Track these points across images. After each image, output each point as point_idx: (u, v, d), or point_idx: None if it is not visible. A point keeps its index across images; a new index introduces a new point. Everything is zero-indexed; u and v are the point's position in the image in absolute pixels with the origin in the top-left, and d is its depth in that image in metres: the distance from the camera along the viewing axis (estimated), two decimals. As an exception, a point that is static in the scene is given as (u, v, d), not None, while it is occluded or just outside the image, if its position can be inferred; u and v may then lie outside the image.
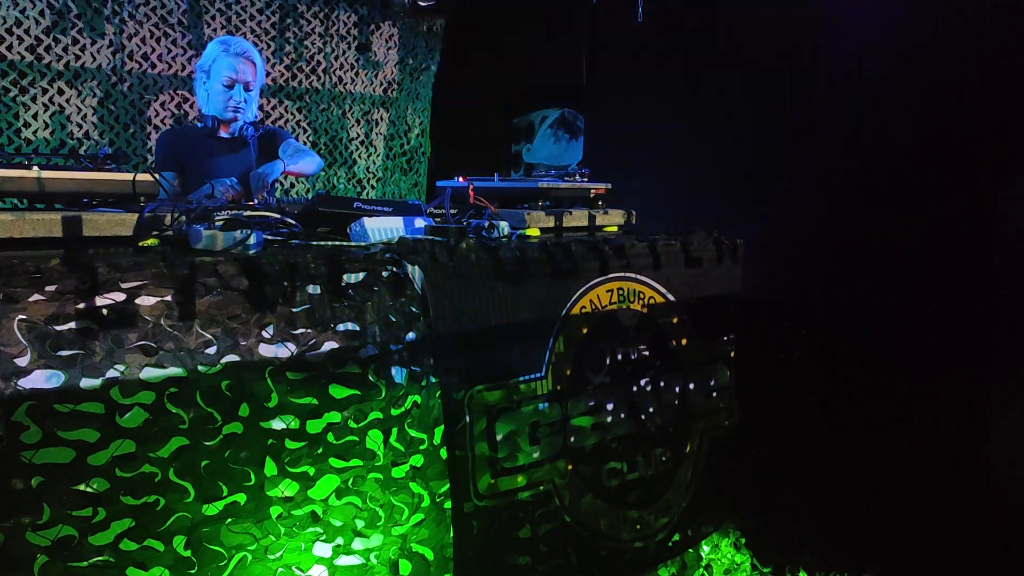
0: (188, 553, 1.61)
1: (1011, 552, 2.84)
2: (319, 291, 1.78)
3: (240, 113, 3.15)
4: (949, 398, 2.99)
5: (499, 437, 2.10)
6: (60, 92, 3.79)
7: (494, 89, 5.43)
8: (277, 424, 1.70)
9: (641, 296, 2.50)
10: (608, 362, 2.38)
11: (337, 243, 2.12)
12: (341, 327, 1.80)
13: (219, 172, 3.08)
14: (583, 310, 2.32)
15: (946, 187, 3.01)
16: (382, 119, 5.01)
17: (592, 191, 2.92)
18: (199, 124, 3.16)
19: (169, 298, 1.58)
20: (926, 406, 3.03)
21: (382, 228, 2.20)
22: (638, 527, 2.49)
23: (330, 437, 1.78)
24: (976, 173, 2.95)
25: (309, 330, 1.74)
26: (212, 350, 1.61)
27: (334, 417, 1.78)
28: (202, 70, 3.15)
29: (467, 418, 2.03)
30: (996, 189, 2.92)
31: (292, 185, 4.62)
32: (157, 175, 2.01)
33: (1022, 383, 2.89)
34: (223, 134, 3.19)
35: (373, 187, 5.04)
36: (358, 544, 1.86)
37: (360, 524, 1.85)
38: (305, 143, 4.66)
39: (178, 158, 3.12)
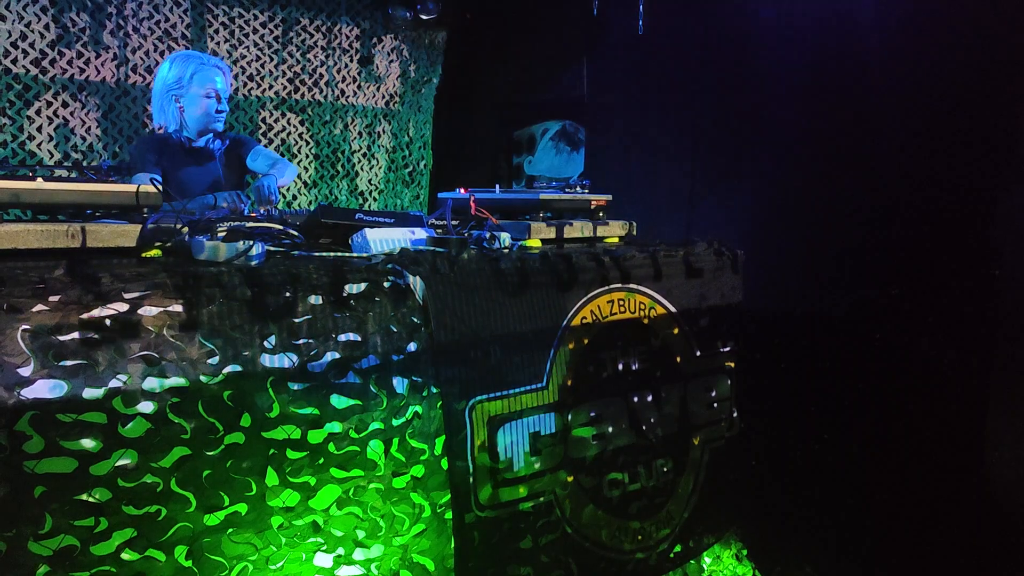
0: (189, 563, 1.61)
1: (1012, 561, 2.83)
2: (321, 302, 1.79)
3: (221, 122, 3.17)
4: (950, 407, 2.99)
5: (500, 448, 2.10)
6: (64, 105, 3.82)
7: (496, 101, 5.45)
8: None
9: (642, 307, 2.50)
10: (609, 372, 2.39)
11: (339, 254, 2.13)
12: (343, 337, 1.80)
13: (190, 183, 3.08)
14: (584, 321, 2.32)
15: (946, 196, 3.02)
16: (384, 131, 5.03)
17: (593, 202, 2.92)
18: (174, 136, 3.14)
19: (172, 308, 1.58)
20: (927, 416, 3.03)
21: (384, 239, 2.21)
22: (639, 538, 2.49)
23: (331, 447, 1.78)
24: (976, 180, 2.96)
25: (311, 340, 1.75)
26: (214, 360, 1.62)
27: (335, 427, 1.79)
28: (178, 84, 3.10)
29: (468, 428, 2.03)
30: (996, 197, 2.93)
31: (295, 197, 4.64)
32: (161, 185, 2.02)
33: (1022, 392, 2.89)
34: (194, 145, 3.18)
35: (375, 199, 5.06)
36: (359, 554, 1.86)
37: (361, 534, 1.85)
38: (307, 155, 4.68)
39: (159, 164, 3.10)
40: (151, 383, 1.54)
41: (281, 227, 2.16)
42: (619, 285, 2.44)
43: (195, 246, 1.91)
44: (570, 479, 2.28)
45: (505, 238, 2.40)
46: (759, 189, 3.62)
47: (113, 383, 1.50)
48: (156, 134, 3.18)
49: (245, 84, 4.38)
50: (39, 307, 1.45)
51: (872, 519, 3.08)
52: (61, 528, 1.46)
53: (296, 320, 1.74)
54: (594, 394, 2.34)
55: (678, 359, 2.62)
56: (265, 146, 4.34)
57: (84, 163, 3.80)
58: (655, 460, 2.52)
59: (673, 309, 2.60)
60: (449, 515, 2.01)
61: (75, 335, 1.47)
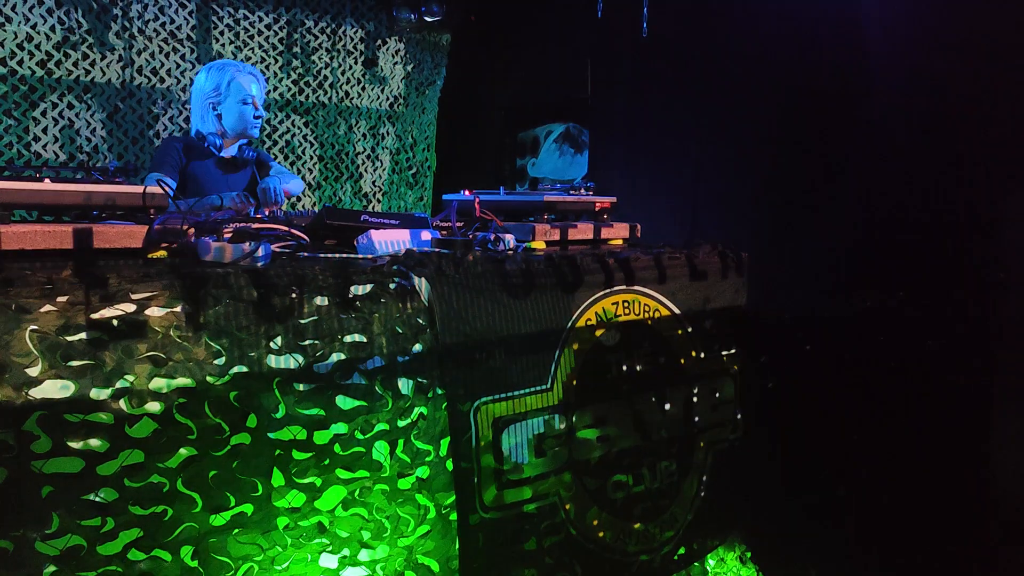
0: (195, 564, 1.61)
1: (1015, 562, 2.82)
2: (327, 303, 1.79)
3: (258, 128, 3.20)
4: (954, 409, 2.98)
5: (505, 449, 2.10)
6: (70, 107, 3.83)
7: (499, 103, 5.47)
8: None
9: (646, 309, 2.50)
10: (613, 374, 2.39)
11: (344, 255, 2.14)
12: (348, 338, 1.81)
13: (217, 187, 3.10)
14: (588, 322, 2.33)
15: (949, 197, 3.02)
16: (388, 133, 5.05)
17: (597, 204, 2.93)
18: (209, 138, 3.17)
19: (178, 309, 1.59)
20: (931, 418, 3.02)
21: (389, 241, 2.22)
22: (643, 540, 2.49)
23: (337, 448, 1.79)
24: (979, 181, 2.95)
25: (317, 341, 1.75)
26: (220, 361, 1.62)
27: (341, 428, 1.79)
28: (215, 93, 3.15)
29: (473, 430, 2.03)
30: (999, 198, 2.93)
31: (299, 198, 4.65)
32: (166, 186, 2.02)
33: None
34: (225, 153, 3.20)
35: (379, 201, 5.07)
36: (364, 555, 1.86)
37: (366, 535, 1.86)
38: (312, 157, 4.69)
39: (183, 167, 3.12)
40: (158, 383, 1.54)
41: (287, 228, 2.16)
42: (623, 287, 2.44)
43: (201, 247, 1.91)
44: (574, 481, 2.28)
45: (509, 240, 2.40)
46: (763, 192, 3.62)
47: (120, 383, 1.50)
48: (184, 137, 3.22)
49: (250, 86, 4.39)
50: (47, 307, 1.46)
51: (876, 521, 3.08)
52: (68, 528, 1.46)
53: (302, 321, 1.75)
54: (598, 396, 2.34)
55: (682, 361, 2.62)
56: (268, 148, 4.38)
57: (90, 164, 3.81)
58: (659, 462, 2.52)
59: (677, 311, 2.60)
60: (454, 516, 2.01)
61: (82, 335, 1.48)
